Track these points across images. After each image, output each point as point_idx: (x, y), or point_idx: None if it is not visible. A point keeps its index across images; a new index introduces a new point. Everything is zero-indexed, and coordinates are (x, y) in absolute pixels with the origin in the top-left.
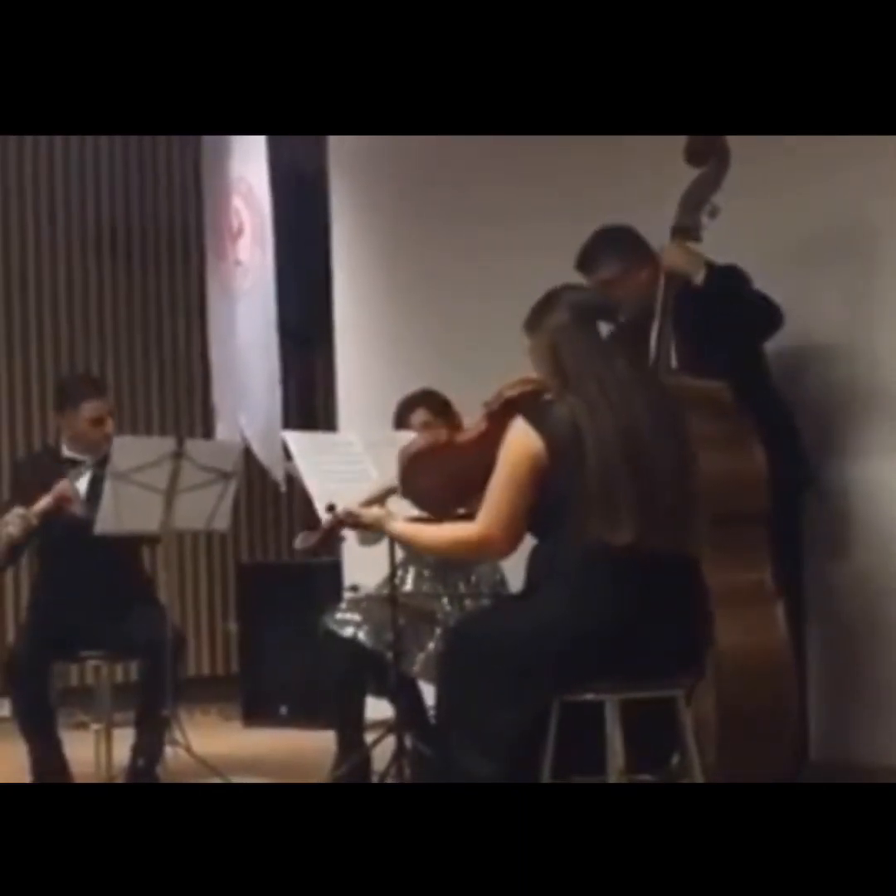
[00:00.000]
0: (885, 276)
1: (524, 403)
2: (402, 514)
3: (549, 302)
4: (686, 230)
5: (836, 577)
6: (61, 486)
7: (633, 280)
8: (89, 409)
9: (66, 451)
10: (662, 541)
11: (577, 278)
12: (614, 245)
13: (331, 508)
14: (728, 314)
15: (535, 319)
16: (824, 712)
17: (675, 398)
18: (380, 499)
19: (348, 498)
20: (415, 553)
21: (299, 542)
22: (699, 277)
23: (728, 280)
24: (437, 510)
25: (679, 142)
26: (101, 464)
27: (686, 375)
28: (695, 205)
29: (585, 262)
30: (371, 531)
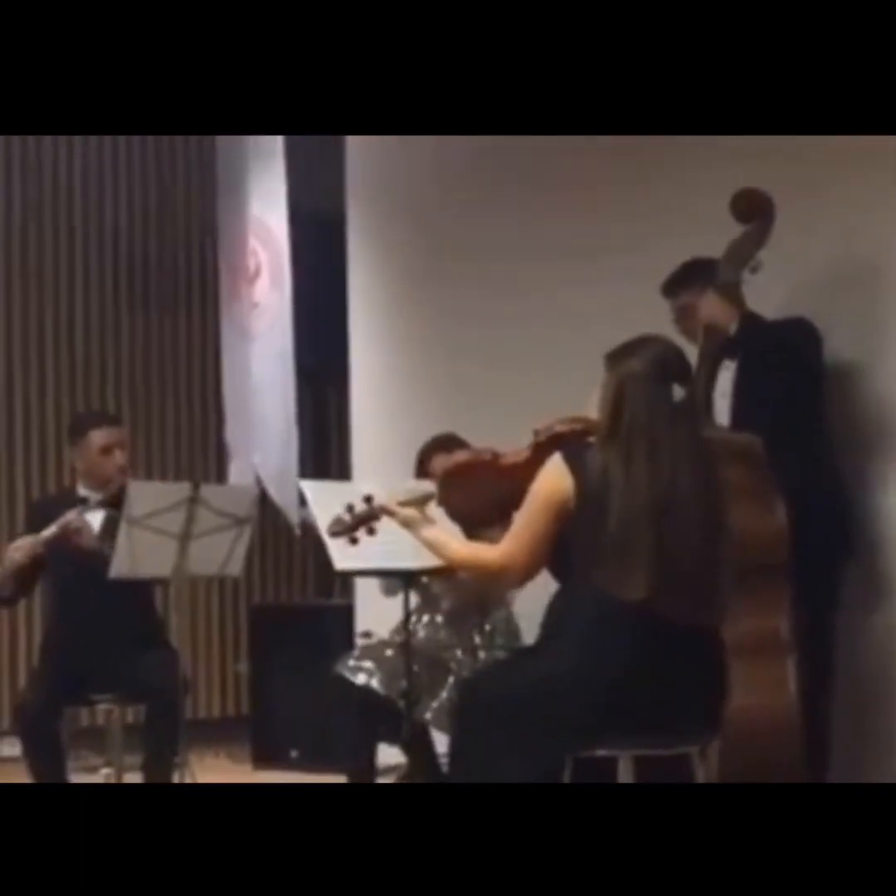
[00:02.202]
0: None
1: (570, 440)
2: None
3: (632, 346)
4: (726, 285)
5: (859, 623)
6: (69, 515)
7: None
8: (98, 437)
9: (81, 490)
10: (679, 608)
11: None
12: (698, 273)
13: (368, 499)
14: (774, 368)
15: (615, 358)
16: (846, 767)
17: (713, 456)
18: (418, 503)
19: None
20: (428, 601)
21: (331, 525)
22: (732, 329)
23: (776, 332)
24: (467, 526)
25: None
26: (114, 502)
27: (720, 427)
28: (738, 261)
29: (669, 287)
30: (404, 528)
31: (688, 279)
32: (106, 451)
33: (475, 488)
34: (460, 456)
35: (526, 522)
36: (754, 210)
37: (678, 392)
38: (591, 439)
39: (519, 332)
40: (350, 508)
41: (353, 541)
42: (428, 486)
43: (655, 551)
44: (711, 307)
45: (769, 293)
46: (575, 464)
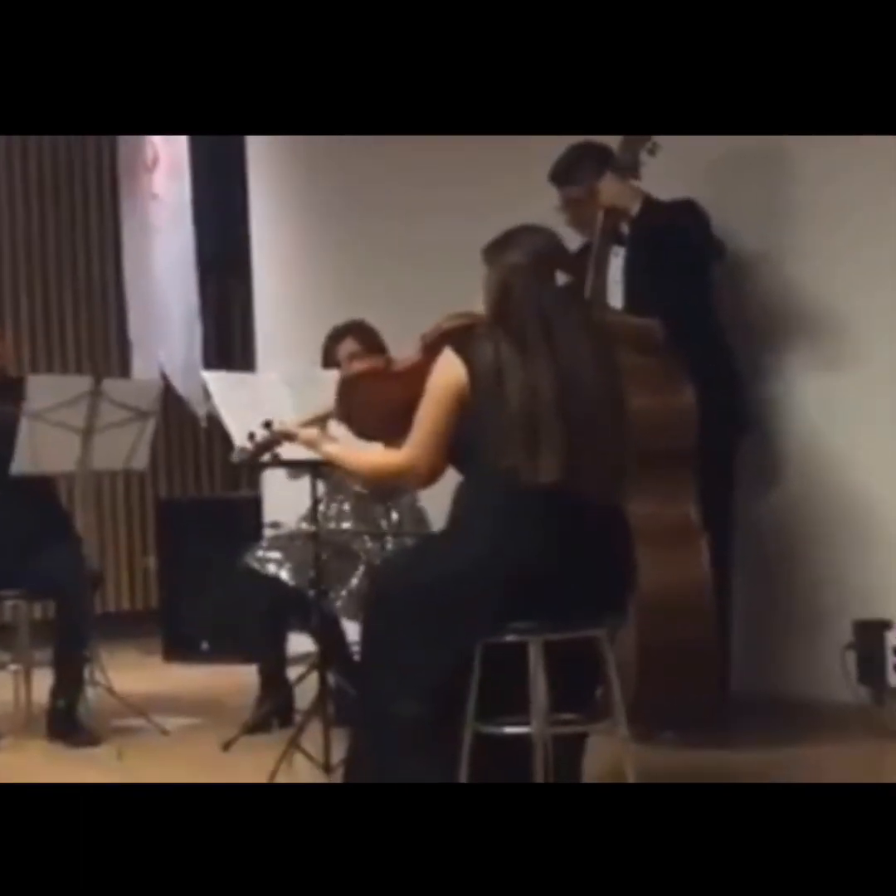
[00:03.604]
0: (798, 192)
1: (457, 335)
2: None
3: (510, 238)
4: (625, 166)
5: (759, 504)
6: None
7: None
8: None
9: None
10: (589, 488)
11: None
12: (589, 158)
13: (268, 424)
14: (674, 251)
15: (494, 252)
16: (747, 645)
17: (609, 338)
18: (318, 421)
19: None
20: (335, 489)
21: (235, 455)
22: (634, 210)
23: (676, 217)
24: (370, 437)
25: None
26: None
27: (619, 312)
28: (636, 141)
29: (559, 173)
30: (308, 450)
31: (577, 165)
32: None
33: (372, 399)
34: (353, 368)
35: (426, 420)
36: None
37: (562, 279)
38: (480, 331)
39: (424, 221)
40: (251, 437)
41: (261, 467)
42: (327, 404)
43: (564, 434)
44: (612, 189)
45: (667, 179)
46: (465, 354)
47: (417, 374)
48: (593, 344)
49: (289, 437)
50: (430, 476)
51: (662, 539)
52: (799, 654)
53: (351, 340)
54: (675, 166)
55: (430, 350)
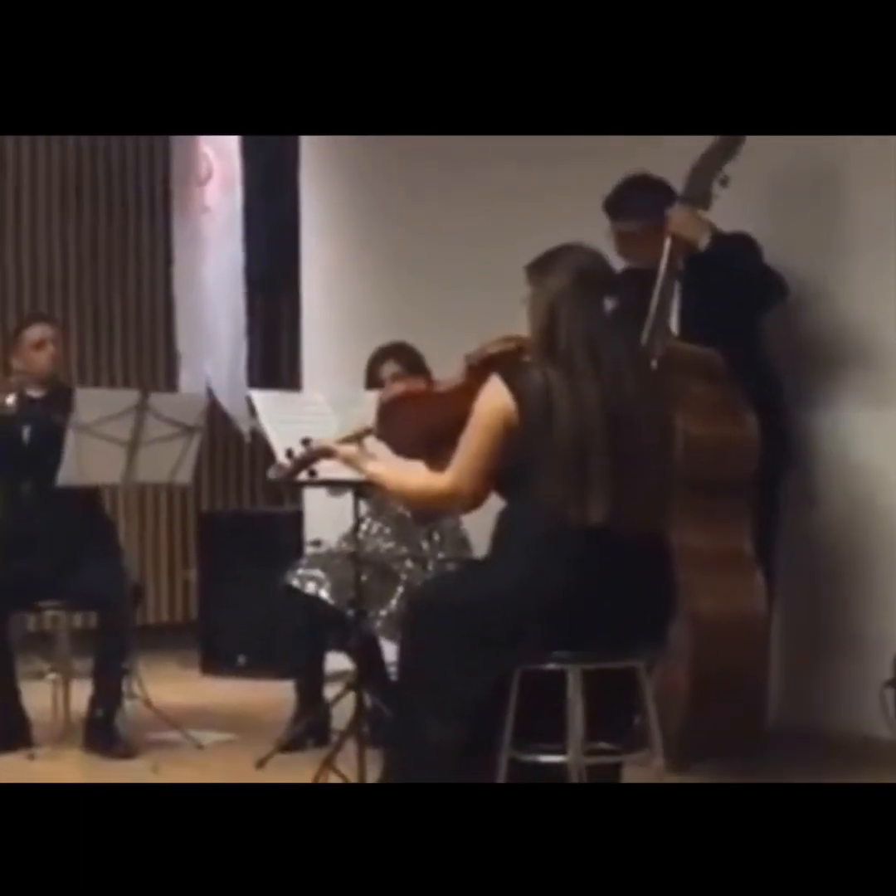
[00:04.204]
0: (853, 224)
1: (504, 361)
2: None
3: (555, 258)
4: (696, 197)
5: (802, 534)
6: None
7: (654, 237)
8: (30, 333)
9: (31, 393)
10: (635, 523)
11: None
12: (644, 197)
13: (306, 442)
14: (729, 284)
15: (539, 271)
16: (786, 676)
17: (665, 369)
18: (357, 438)
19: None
20: (377, 509)
21: (272, 471)
22: (703, 244)
23: (732, 250)
24: (409, 456)
25: None
26: (49, 400)
27: (680, 340)
28: (707, 173)
29: (612, 207)
30: (347, 467)
31: (631, 198)
32: (38, 345)
33: (413, 420)
34: (395, 388)
35: (470, 447)
36: None
37: (608, 302)
38: (527, 358)
39: (470, 244)
40: (289, 454)
41: (299, 484)
42: (367, 421)
43: (612, 469)
44: (682, 218)
45: (724, 211)
46: (514, 383)
47: (460, 396)
48: (639, 371)
49: (327, 454)
50: (473, 502)
51: (720, 567)
52: (837, 687)
53: (392, 362)
54: (732, 198)
55: (475, 373)
